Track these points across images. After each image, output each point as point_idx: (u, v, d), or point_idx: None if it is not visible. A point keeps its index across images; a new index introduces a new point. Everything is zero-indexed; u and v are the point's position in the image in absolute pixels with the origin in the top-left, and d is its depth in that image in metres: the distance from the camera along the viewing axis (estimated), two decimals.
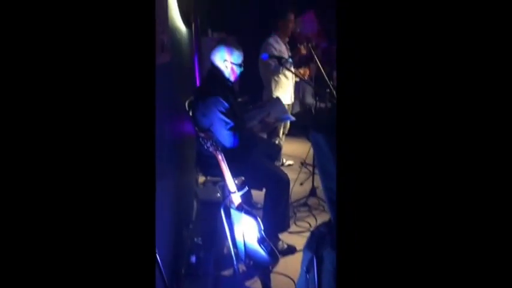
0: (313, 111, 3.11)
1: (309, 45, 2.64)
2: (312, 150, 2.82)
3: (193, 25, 2.74)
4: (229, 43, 1.92)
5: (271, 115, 2.10)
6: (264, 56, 2.51)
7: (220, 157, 1.69)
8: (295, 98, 3.17)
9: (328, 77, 2.50)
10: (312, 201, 2.56)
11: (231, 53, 1.88)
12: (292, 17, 2.78)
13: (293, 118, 2.29)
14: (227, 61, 1.89)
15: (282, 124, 2.95)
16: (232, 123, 1.84)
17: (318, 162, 1.23)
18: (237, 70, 1.93)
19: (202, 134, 1.72)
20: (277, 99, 2.37)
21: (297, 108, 3.30)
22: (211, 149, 1.69)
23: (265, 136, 2.87)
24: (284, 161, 3.32)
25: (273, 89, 2.85)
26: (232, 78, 1.95)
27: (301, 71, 2.82)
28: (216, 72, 1.93)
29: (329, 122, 1.97)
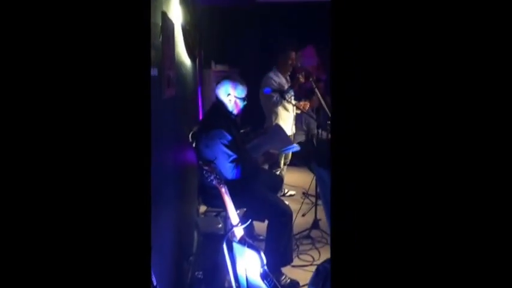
0: (314, 142, 3.13)
1: (310, 78, 2.71)
2: (314, 181, 2.82)
3: (197, 58, 2.84)
4: (234, 78, 1.99)
5: (274, 145, 2.12)
6: (266, 90, 2.59)
7: (224, 190, 1.69)
8: (297, 129, 3.21)
9: (329, 109, 2.56)
10: (315, 233, 2.52)
11: (235, 88, 1.94)
12: (292, 54, 2.90)
13: (298, 147, 2.30)
14: (231, 95, 1.94)
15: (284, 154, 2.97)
16: (234, 156, 1.85)
17: (323, 196, 1.23)
18: (241, 104, 1.98)
19: (206, 167, 1.73)
20: (277, 126, 2.39)
21: (299, 139, 3.33)
22: (214, 182, 1.69)
23: (266, 167, 2.88)
24: (286, 191, 3.30)
25: (274, 120, 2.90)
26: (235, 112, 1.99)
27: (302, 103, 2.88)
28: (220, 105, 1.98)
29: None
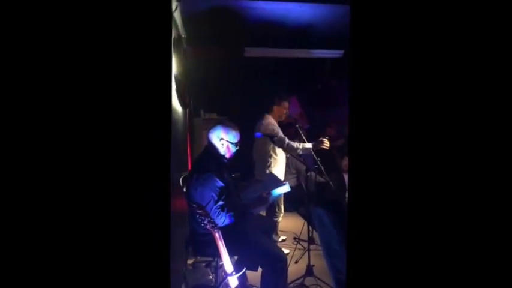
0: (304, 187, 3.14)
1: (296, 125, 2.83)
2: (305, 225, 2.78)
3: (188, 107, 2.92)
4: (227, 124, 2.05)
5: (267, 190, 2.12)
6: (257, 134, 2.65)
7: (218, 235, 1.65)
8: (286, 173, 3.24)
9: (315, 154, 2.65)
10: (309, 281, 2.42)
11: (227, 132, 1.99)
12: (286, 104, 3.05)
13: (288, 188, 2.25)
14: (223, 139, 1.98)
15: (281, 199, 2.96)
16: (223, 202, 1.84)
17: (323, 242, 1.21)
18: (233, 149, 2.02)
19: (199, 211, 1.70)
20: (271, 174, 2.40)
21: (290, 183, 3.35)
22: (208, 227, 1.65)
23: (264, 213, 2.84)
24: (277, 237, 3.23)
25: (269, 166, 2.91)
26: (227, 156, 2.02)
27: (322, 140, 2.90)
28: (212, 149, 2.01)
29: (328, 198, 2.00)
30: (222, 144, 1.99)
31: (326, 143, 2.74)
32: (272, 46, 3.66)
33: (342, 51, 3.94)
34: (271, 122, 2.91)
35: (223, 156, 2.01)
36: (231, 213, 1.85)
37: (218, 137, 1.99)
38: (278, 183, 2.23)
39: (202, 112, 3.72)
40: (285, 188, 2.22)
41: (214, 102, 4.03)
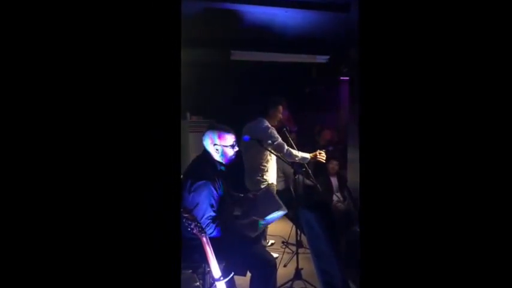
0: (292, 191, 3.14)
1: (284, 129, 2.81)
2: (293, 229, 2.78)
3: None
4: (218, 127, 1.94)
5: (260, 212, 1.96)
6: (245, 138, 2.59)
7: (205, 240, 1.62)
8: (278, 177, 3.22)
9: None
10: (297, 284, 2.42)
11: (220, 136, 1.90)
12: (281, 109, 2.98)
13: (284, 212, 2.04)
14: (217, 145, 1.90)
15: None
16: (215, 214, 1.79)
17: (311, 244, 1.20)
18: (230, 152, 1.92)
19: (186, 215, 1.66)
20: (267, 193, 2.23)
21: (278, 186, 3.34)
22: (195, 231, 1.62)
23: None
24: (268, 241, 3.20)
25: (259, 173, 2.84)
26: (224, 161, 1.93)
27: (318, 152, 2.86)
28: (207, 155, 1.92)
29: (318, 200, 1.99)
30: (217, 150, 1.90)
31: (323, 156, 2.71)
32: (258, 50, 3.68)
33: (327, 57, 4.01)
34: (269, 125, 2.80)
35: (219, 162, 1.92)
36: (220, 227, 1.79)
37: (212, 143, 1.91)
38: (274, 206, 1.99)
39: (188, 115, 3.69)
40: (280, 213, 2.00)
41: (200, 104, 4.01)
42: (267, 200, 2.04)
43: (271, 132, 2.74)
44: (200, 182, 1.80)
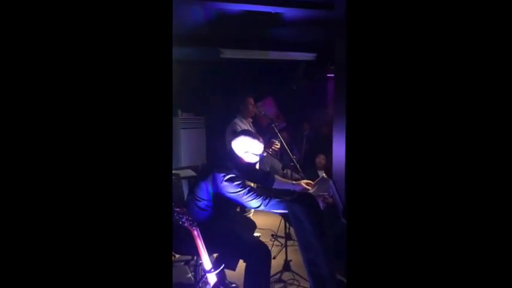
0: None
1: (272, 125, 2.88)
2: (282, 222, 2.84)
3: None
4: (252, 135, 2.04)
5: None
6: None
7: (196, 233, 1.67)
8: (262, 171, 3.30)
9: (290, 152, 2.72)
10: (286, 275, 2.50)
11: (253, 144, 2.00)
12: (251, 100, 3.08)
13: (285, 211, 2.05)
14: (248, 152, 2.00)
15: None
16: (247, 187, 1.85)
17: (299, 236, 1.25)
18: (255, 159, 2.04)
19: (177, 209, 1.71)
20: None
21: None
22: (186, 224, 1.67)
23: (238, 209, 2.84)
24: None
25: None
26: (251, 164, 2.06)
27: (273, 141, 2.97)
28: (236, 160, 2.00)
29: (306, 195, 2.05)
30: (247, 156, 2.00)
31: (277, 145, 2.84)
32: (246, 48, 3.73)
33: (314, 54, 4.09)
34: (238, 121, 2.94)
35: (247, 164, 2.03)
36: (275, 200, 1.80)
37: (243, 149, 1.99)
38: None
39: (179, 111, 3.74)
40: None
41: (191, 101, 4.05)
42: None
43: (235, 128, 2.87)
44: (229, 176, 1.84)
